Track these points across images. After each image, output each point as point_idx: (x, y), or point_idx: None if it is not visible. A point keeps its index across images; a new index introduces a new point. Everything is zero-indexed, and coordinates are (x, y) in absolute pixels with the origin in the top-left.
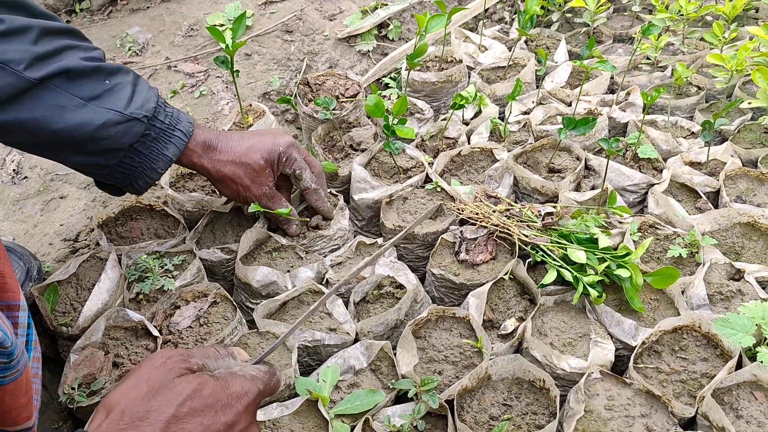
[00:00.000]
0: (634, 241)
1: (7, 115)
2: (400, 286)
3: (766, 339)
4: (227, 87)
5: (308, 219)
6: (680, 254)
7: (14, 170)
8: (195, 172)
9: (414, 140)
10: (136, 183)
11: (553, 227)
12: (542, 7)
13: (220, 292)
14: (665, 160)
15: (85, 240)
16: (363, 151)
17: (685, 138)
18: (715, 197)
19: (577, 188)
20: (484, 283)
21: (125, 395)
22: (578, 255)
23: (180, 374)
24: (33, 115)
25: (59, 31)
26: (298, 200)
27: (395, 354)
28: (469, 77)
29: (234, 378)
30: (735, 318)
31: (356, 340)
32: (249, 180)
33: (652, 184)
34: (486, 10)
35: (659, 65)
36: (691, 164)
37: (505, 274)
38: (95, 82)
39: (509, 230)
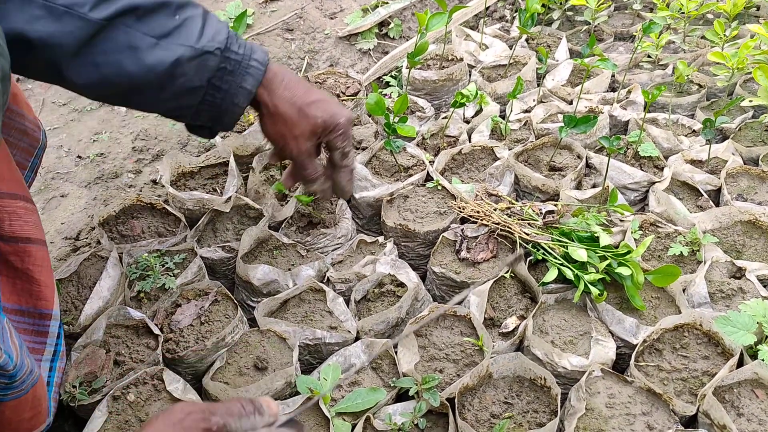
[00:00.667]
0: (635, 239)
1: (83, 62)
2: (401, 285)
3: (767, 337)
4: None
5: (315, 215)
6: (681, 252)
7: None
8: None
9: (415, 138)
10: (223, 120)
11: (554, 225)
12: (543, 6)
13: (221, 290)
14: (666, 158)
15: (86, 238)
16: (364, 149)
17: (686, 136)
18: (716, 195)
19: (578, 186)
20: (485, 282)
21: None
22: (579, 253)
23: None
24: (107, 59)
25: None
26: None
27: (396, 352)
28: (470, 75)
29: None
30: (736, 316)
31: (357, 339)
32: (299, 131)
33: (654, 183)
34: (487, 9)
35: (660, 63)
36: (693, 162)
37: (506, 272)
38: (165, 17)
39: (510, 228)
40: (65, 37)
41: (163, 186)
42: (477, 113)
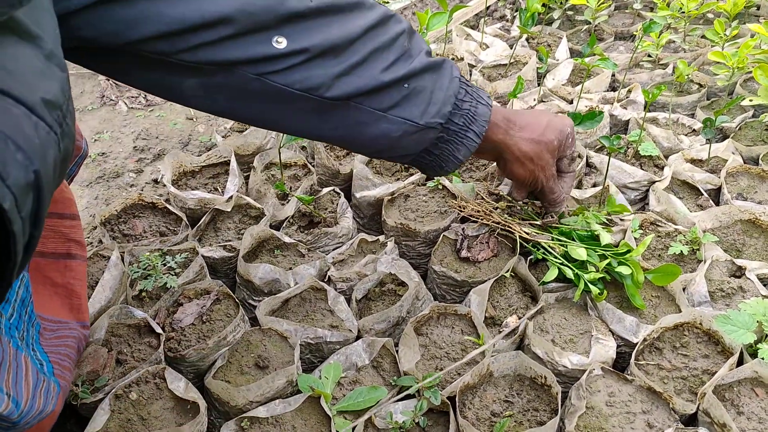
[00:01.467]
0: (635, 238)
1: (311, 130)
2: (402, 284)
3: (767, 335)
4: None
5: (316, 215)
6: (681, 251)
7: None
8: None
9: None
10: (431, 171)
11: (554, 225)
12: (543, 5)
13: (223, 289)
14: (666, 157)
15: (88, 238)
16: None
17: (686, 135)
18: (716, 194)
19: (579, 186)
20: (486, 281)
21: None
22: (579, 252)
23: None
24: (335, 134)
25: (364, 31)
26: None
27: (397, 351)
28: (471, 75)
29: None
30: (736, 315)
31: (358, 337)
32: (544, 160)
33: (654, 182)
34: (487, 8)
35: (660, 63)
36: (693, 161)
37: (507, 271)
38: (395, 90)
39: (510, 228)
40: (294, 115)
41: (165, 185)
42: None
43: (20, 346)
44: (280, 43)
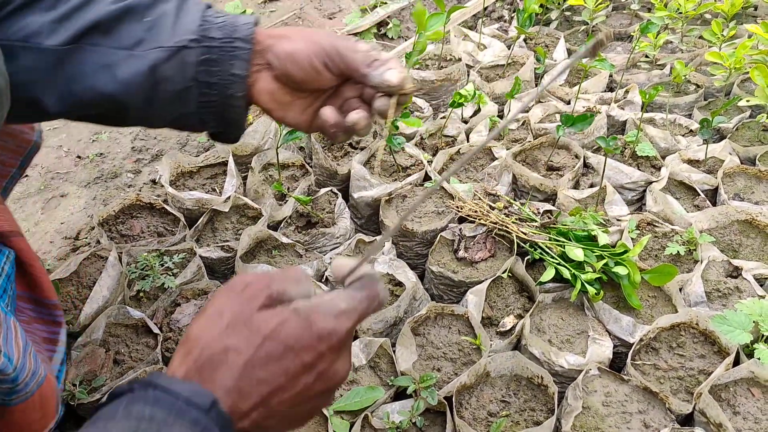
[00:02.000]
0: (632, 238)
1: (57, 91)
2: (400, 284)
3: (763, 336)
4: None
5: (314, 215)
6: (678, 252)
7: None
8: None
9: (415, 137)
10: (229, 119)
11: (551, 225)
12: (541, 6)
13: None
14: (664, 157)
15: (86, 238)
16: (362, 149)
17: (683, 136)
18: (713, 195)
19: (576, 186)
20: (483, 281)
21: (204, 330)
22: (576, 252)
23: (261, 304)
24: (81, 84)
25: None
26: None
27: (394, 351)
28: (468, 75)
29: (319, 316)
30: (732, 315)
31: (356, 338)
32: (321, 62)
33: (651, 182)
34: (485, 9)
35: (658, 63)
36: (690, 162)
37: (504, 272)
38: (134, 23)
39: (508, 228)
40: (30, 74)
41: (163, 186)
42: (475, 113)
43: (8, 312)
44: None
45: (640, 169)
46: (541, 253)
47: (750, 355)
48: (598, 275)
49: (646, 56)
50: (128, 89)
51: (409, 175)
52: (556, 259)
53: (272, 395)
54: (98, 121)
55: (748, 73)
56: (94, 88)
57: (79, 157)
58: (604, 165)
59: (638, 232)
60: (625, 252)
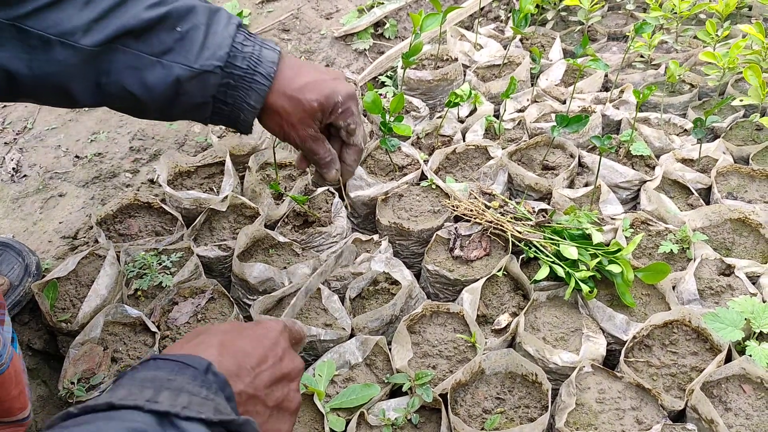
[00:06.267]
0: (626, 237)
1: (85, 84)
2: (396, 282)
3: (754, 333)
4: None
5: (311, 214)
6: (671, 250)
7: (14, 168)
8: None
9: (410, 138)
10: (238, 127)
11: (546, 224)
12: (537, 6)
13: (218, 288)
14: (658, 157)
15: (84, 237)
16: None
17: (677, 135)
18: (706, 194)
19: (571, 185)
20: (478, 279)
21: (201, 330)
22: (570, 251)
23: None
24: (109, 80)
25: None
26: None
27: (390, 349)
28: (465, 75)
29: (272, 323)
30: (724, 312)
31: (352, 335)
32: (296, 119)
33: (645, 181)
34: (481, 9)
35: (653, 63)
36: (684, 161)
37: (499, 270)
38: (165, 32)
39: (503, 227)
40: (62, 66)
41: (160, 185)
42: (471, 113)
43: None
44: None
45: (634, 168)
46: (535, 252)
47: (742, 352)
48: (592, 273)
49: (641, 56)
50: (151, 94)
51: (405, 174)
52: (551, 258)
53: (254, 368)
54: (121, 111)
55: (741, 73)
56: (121, 85)
57: (77, 156)
58: (599, 164)
59: (632, 230)
60: (619, 250)
